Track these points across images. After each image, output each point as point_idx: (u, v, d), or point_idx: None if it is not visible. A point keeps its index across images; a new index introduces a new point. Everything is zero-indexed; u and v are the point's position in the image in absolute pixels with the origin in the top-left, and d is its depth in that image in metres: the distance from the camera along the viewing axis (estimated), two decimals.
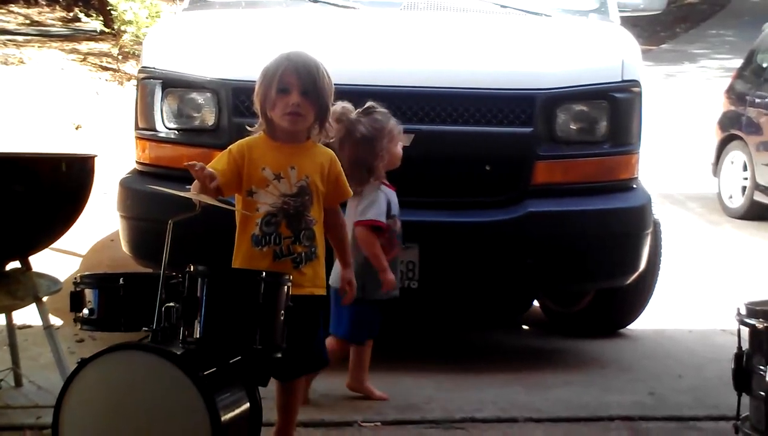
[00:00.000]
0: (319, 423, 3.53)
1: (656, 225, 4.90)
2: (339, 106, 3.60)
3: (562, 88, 4.37)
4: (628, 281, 4.60)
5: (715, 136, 8.97)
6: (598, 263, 4.46)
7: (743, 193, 8.39)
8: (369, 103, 3.85)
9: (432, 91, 4.30)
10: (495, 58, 4.51)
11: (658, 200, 8.76)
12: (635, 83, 4.50)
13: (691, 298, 5.87)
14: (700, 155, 9.67)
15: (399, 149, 3.86)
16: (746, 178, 8.35)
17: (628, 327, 5.15)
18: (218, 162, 3.02)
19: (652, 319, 5.17)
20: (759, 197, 8.18)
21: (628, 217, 4.49)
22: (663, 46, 18.94)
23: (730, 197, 8.55)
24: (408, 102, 4.24)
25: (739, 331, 2.25)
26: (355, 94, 4.06)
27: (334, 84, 3.11)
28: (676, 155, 10.91)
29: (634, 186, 4.57)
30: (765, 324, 2.05)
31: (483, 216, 4.31)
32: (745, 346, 2.21)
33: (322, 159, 3.10)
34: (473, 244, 4.29)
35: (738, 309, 2.23)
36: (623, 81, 4.46)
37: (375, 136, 3.74)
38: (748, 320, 2.14)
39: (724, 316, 4.58)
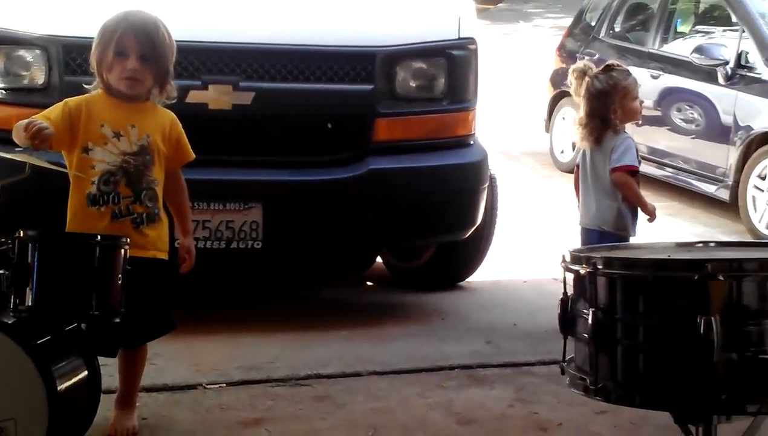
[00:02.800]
0: (162, 387, 3.43)
1: (492, 180, 4.99)
2: (581, 63, 4.20)
3: (401, 46, 4.37)
4: (467, 235, 4.68)
5: (547, 93, 9.16)
6: (438, 218, 4.51)
7: (574, 148, 8.62)
8: (610, 61, 4.31)
9: (272, 49, 4.22)
10: (335, 15, 4.45)
11: (495, 156, 9.05)
12: (471, 41, 4.55)
13: (526, 249, 6.01)
14: (534, 112, 9.89)
15: (636, 104, 4.11)
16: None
17: (467, 279, 5.24)
18: (51, 112, 2.88)
19: (490, 271, 5.28)
20: None
21: (465, 172, 4.54)
22: (500, 5, 19.25)
23: (562, 152, 8.77)
24: (248, 59, 4.15)
25: (564, 277, 2.30)
26: (195, 51, 3.95)
27: (175, 41, 3.00)
28: (512, 113, 11.14)
29: (471, 142, 4.62)
30: (587, 269, 2.10)
31: (325, 174, 4.27)
32: (571, 291, 2.27)
33: (163, 120, 3.00)
34: (316, 202, 4.26)
35: (563, 256, 2.29)
36: (460, 39, 4.49)
37: (608, 91, 4.02)
38: (572, 267, 2.19)
39: (555, 265, 4.70)
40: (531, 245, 6.13)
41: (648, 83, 7.74)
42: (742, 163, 6.65)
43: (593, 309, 2.07)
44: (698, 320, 1.93)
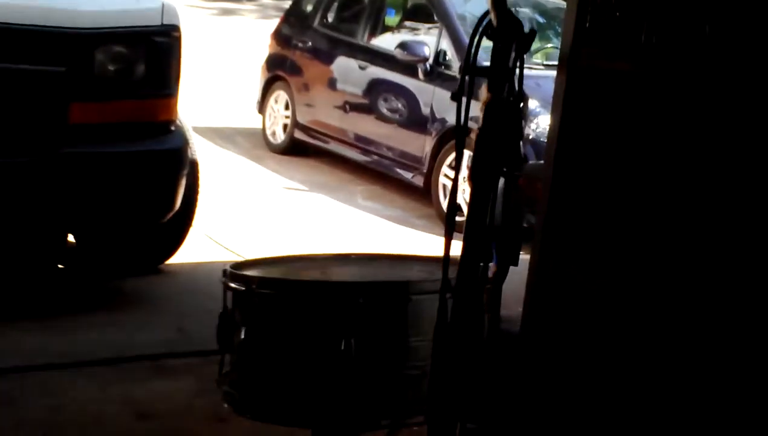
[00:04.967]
0: None
1: (194, 165, 4.90)
2: None
3: (100, 29, 4.17)
4: (164, 220, 4.57)
5: (261, 76, 9.13)
6: (134, 203, 4.37)
7: (285, 131, 8.67)
8: None
9: None
10: None
11: (209, 135, 8.93)
12: (174, 28, 4.39)
13: (230, 232, 5.97)
14: (250, 92, 9.84)
15: None
16: (288, 117, 8.63)
17: (168, 262, 5.12)
18: None
19: (190, 254, 5.19)
20: (298, 135, 8.49)
21: (163, 158, 4.42)
22: None
23: (273, 134, 8.79)
24: None
25: (224, 293, 2.28)
26: None
27: None
28: (229, 92, 11.05)
29: (172, 129, 4.50)
30: (243, 287, 2.09)
31: (17, 157, 4.01)
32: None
33: None
34: (8, 186, 3.99)
35: (223, 271, 2.27)
36: (163, 25, 4.34)
37: None
38: (231, 284, 2.18)
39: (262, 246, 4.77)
40: (234, 227, 6.08)
41: (356, 74, 7.93)
42: (436, 153, 6.95)
43: (245, 326, 2.07)
44: (340, 341, 1.97)
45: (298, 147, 8.55)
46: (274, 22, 13.68)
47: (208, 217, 5.53)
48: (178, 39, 4.40)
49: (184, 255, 5.13)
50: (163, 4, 4.35)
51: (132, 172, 4.28)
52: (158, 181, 4.40)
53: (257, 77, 9.28)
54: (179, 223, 4.86)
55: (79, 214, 4.23)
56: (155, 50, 4.30)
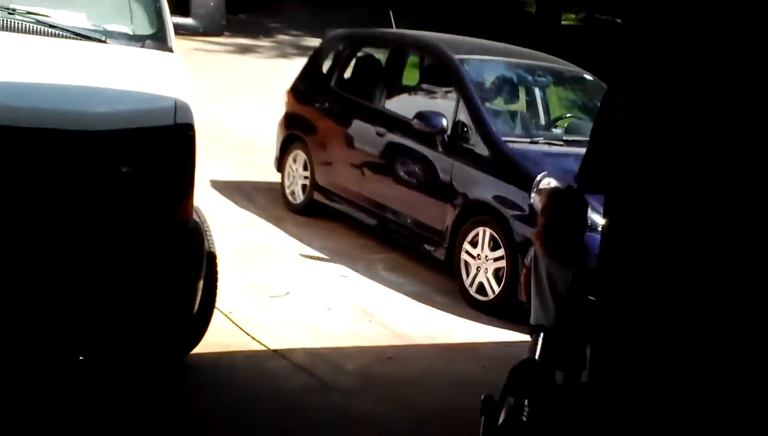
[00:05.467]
0: None
1: (212, 258, 4.79)
2: None
3: (111, 131, 4.05)
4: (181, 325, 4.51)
5: (278, 133, 9.05)
6: (147, 310, 4.24)
7: (303, 191, 8.58)
8: None
9: None
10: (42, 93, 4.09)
11: (228, 192, 8.87)
12: (188, 127, 4.24)
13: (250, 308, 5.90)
14: (268, 140, 9.78)
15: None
16: (307, 178, 8.54)
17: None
18: None
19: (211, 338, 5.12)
20: (317, 197, 8.40)
21: (179, 263, 4.30)
22: (240, 16, 18.98)
23: (293, 194, 8.70)
24: None
25: None
26: None
27: None
28: (248, 139, 10.99)
29: (189, 226, 4.40)
30: None
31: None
32: None
33: None
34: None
35: None
36: (176, 125, 4.20)
37: None
38: None
39: None
40: (255, 302, 6.01)
41: (374, 139, 7.84)
42: (458, 228, 6.86)
43: None
44: None
45: (318, 208, 8.47)
46: (292, 61, 13.74)
47: (228, 291, 5.47)
48: (192, 138, 4.28)
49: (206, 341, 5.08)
50: (175, 103, 4.22)
51: (145, 277, 4.20)
52: (173, 286, 4.30)
53: (274, 129, 9.22)
54: (200, 316, 4.79)
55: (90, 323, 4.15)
56: (168, 150, 4.21)
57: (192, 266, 4.35)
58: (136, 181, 4.13)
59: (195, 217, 4.48)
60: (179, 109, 4.22)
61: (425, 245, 7.20)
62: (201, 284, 4.40)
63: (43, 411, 4.25)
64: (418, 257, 7.39)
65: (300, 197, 8.62)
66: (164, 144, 4.16)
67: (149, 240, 4.19)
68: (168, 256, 4.24)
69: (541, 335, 4.13)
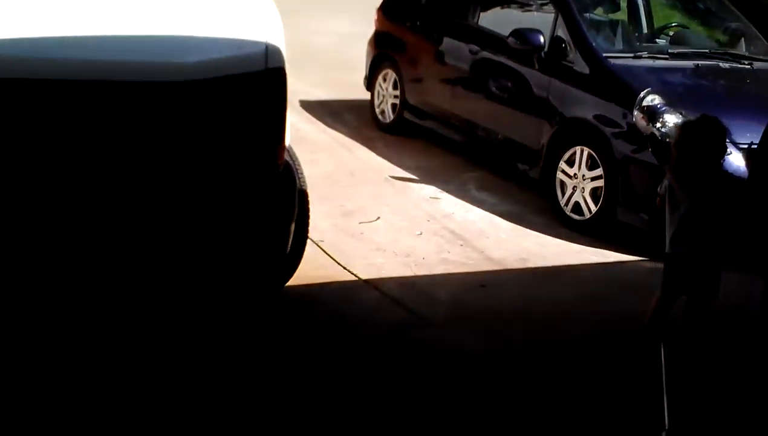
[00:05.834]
0: None
1: (303, 195, 4.67)
2: None
3: (201, 80, 3.89)
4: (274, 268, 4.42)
5: (368, 52, 8.83)
6: (241, 254, 4.18)
7: (394, 111, 8.39)
8: None
9: None
10: (130, 46, 3.98)
11: (317, 112, 8.73)
12: (279, 71, 4.06)
13: (341, 236, 5.81)
14: (356, 58, 9.57)
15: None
16: (397, 96, 8.34)
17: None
18: None
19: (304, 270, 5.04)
20: (407, 116, 8.21)
21: (271, 208, 4.20)
22: None
23: (383, 113, 8.52)
24: None
25: None
26: None
27: None
28: (336, 57, 10.80)
29: (280, 171, 4.29)
30: None
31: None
32: None
33: None
34: None
35: None
36: (267, 70, 4.03)
37: None
38: None
39: None
40: (347, 229, 5.91)
41: (467, 56, 7.55)
42: (554, 147, 6.59)
43: None
44: None
45: (408, 127, 8.28)
46: None
47: (319, 218, 5.37)
48: (284, 81, 4.11)
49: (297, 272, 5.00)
50: (266, 48, 4.06)
51: (240, 223, 4.12)
52: (267, 229, 4.21)
53: (364, 47, 9.00)
54: (293, 253, 4.70)
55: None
56: (260, 95, 4.05)
57: (284, 209, 4.24)
58: (229, 129, 4.00)
59: (287, 157, 4.37)
60: (270, 53, 4.05)
61: (519, 164, 6.97)
62: (293, 225, 4.31)
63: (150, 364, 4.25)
64: (510, 175, 7.17)
65: (390, 116, 8.44)
66: (256, 90, 4.01)
67: (243, 186, 4.08)
68: (261, 201, 4.14)
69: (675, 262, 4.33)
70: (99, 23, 4.04)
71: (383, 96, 8.52)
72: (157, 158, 3.92)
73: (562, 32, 6.75)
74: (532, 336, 4.73)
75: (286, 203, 4.28)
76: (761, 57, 7.08)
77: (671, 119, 5.88)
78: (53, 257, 3.90)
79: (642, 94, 6.03)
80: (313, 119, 8.64)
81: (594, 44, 6.66)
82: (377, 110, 8.59)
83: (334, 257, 5.50)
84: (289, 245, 4.35)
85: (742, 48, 7.24)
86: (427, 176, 7.24)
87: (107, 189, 3.90)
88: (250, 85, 4.01)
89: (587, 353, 4.57)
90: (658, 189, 4.47)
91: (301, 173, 4.69)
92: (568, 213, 6.41)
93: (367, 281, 5.24)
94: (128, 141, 3.88)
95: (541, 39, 6.77)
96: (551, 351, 4.57)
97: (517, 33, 6.88)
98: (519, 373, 4.35)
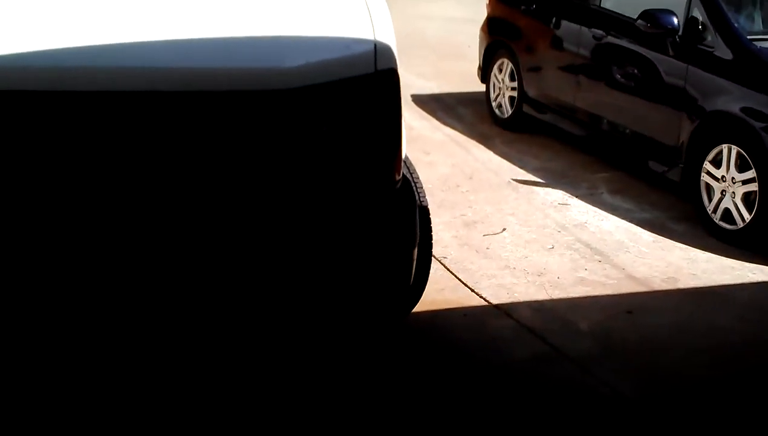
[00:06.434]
0: None
1: (424, 212, 4.12)
2: None
3: (304, 87, 3.32)
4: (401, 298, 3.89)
5: (481, 40, 8.23)
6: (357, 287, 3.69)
7: (512, 104, 7.78)
8: None
9: None
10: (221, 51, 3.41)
11: (430, 106, 8.19)
12: (391, 73, 3.46)
13: (464, 252, 5.26)
14: (466, 46, 8.99)
15: None
16: (515, 88, 7.72)
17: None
18: None
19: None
20: (527, 110, 7.59)
21: (392, 232, 3.63)
22: None
23: (500, 107, 7.92)
24: None
25: None
26: None
27: None
28: (445, 45, 10.24)
29: (398, 187, 3.71)
30: None
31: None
32: None
33: None
34: None
35: None
36: (377, 72, 3.43)
37: None
38: None
39: None
40: (470, 244, 5.36)
41: (591, 43, 6.88)
42: (695, 145, 5.89)
43: None
44: None
45: (528, 122, 7.66)
46: None
47: (438, 230, 4.84)
48: (397, 84, 3.50)
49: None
50: (375, 46, 3.43)
51: (356, 254, 3.57)
52: (388, 260, 3.63)
53: (477, 34, 8.40)
54: (416, 279, 4.17)
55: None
56: (371, 101, 3.47)
57: (405, 234, 3.66)
58: (336, 143, 3.44)
59: (404, 169, 3.81)
60: (380, 52, 3.44)
61: (656, 164, 6.28)
62: (416, 251, 3.77)
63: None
64: (644, 176, 6.49)
65: (508, 110, 7.83)
66: (365, 95, 3.43)
67: (355, 211, 3.52)
68: (378, 227, 3.56)
69: None
70: (178, 25, 3.46)
71: (499, 88, 7.91)
72: (256, 182, 3.39)
73: (698, 12, 6.02)
74: (690, 373, 4.11)
75: (406, 227, 3.71)
76: None
77: None
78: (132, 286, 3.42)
79: None
80: (426, 115, 8.11)
81: (736, 25, 5.92)
82: (494, 104, 8.00)
83: (460, 278, 4.96)
84: (413, 274, 3.82)
85: None
86: (552, 179, 6.63)
87: (194, 220, 3.36)
88: (358, 92, 3.43)
89: (757, 391, 3.94)
90: None
91: (420, 186, 4.13)
92: (716, 221, 5.70)
93: (497, 307, 4.68)
94: (217, 163, 3.33)
95: (675, 21, 6.05)
96: (715, 390, 3.94)
97: (648, 14, 6.16)
98: (678, 418, 3.75)
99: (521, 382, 3.98)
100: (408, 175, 3.88)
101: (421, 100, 8.50)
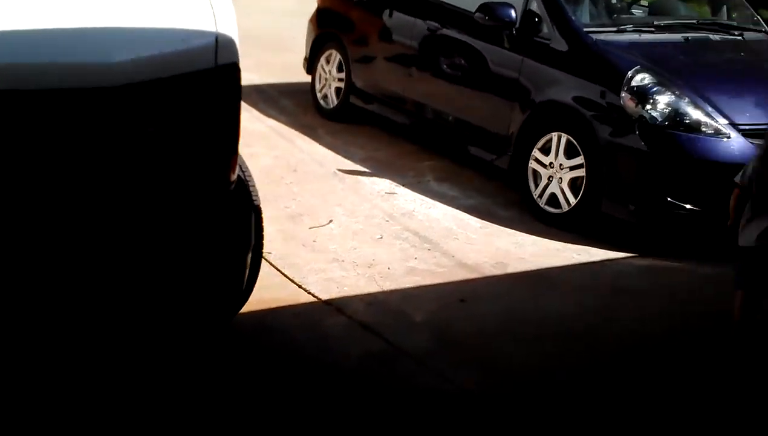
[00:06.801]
0: None
1: (258, 212, 3.84)
2: None
3: (138, 83, 3.02)
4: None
5: (309, 32, 7.95)
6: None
7: (338, 95, 7.55)
8: None
9: None
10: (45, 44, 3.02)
11: (251, 98, 7.85)
12: (233, 67, 3.25)
13: (288, 246, 4.98)
14: (292, 38, 8.71)
15: None
16: (342, 80, 7.50)
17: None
18: None
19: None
20: (354, 100, 7.38)
21: (224, 233, 3.42)
22: None
23: (325, 98, 7.68)
24: None
25: None
26: None
27: None
28: (269, 35, 9.91)
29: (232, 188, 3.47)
30: None
31: None
32: None
33: None
34: None
35: None
36: (218, 67, 3.19)
37: None
38: None
39: None
40: (293, 237, 5.08)
41: (425, 35, 6.72)
42: (525, 134, 5.83)
43: None
44: None
45: (354, 112, 7.45)
46: None
47: (264, 222, 4.56)
48: (238, 80, 3.29)
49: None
50: (217, 39, 3.18)
51: (187, 258, 3.27)
52: (220, 264, 3.39)
53: (303, 25, 8.12)
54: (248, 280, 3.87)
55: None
56: (210, 98, 3.22)
57: (239, 238, 3.43)
58: (168, 143, 3.15)
59: (238, 171, 3.53)
60: (222, 46, 3.19)
61: (484, 152, 6.20)
62: (250, 256, 3.49)
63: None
64: (469, 163, 6.41)
65: (333, 101, 7.59)
66: (204, 91, 3.17)
67: (187, 213, 3.26)
68: (211, 230, 3.31)
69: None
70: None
71: (326, 79, 7.66)
72: (87, 182, 3.05)
73: (535, 5, 5.97)
74: (527, 360, 3.99)
75: (241, 231, 3.45)
76: (750, 27, 6.42)
77: (663, 100, 5.18)
78: None
79: (630, 74, 5.31)
80: (247, 106, 7.74)
81: (572, 17, 5.91)
82: (319, 95, 7.74)
83: (287, 274, 4.68)
84: (246, 278, 3.54)
85: (724, 16, 6.58)
86: (379, 168, 6.44)
87: (13, 221, 3.01)
88: (196, 88, 3.15)
89: (590, 378, 3.87)
90: (737, 179, 3.96)
91: (253, 184, 3.83)
92: (542, 206, 5.67)
93: (327, 302, 4.43)
94: (50, 162, 2.99)
95: (513, 13, 5.97)
96: (555, 377, 3.84)
97: (486, 7, 6.04)
98: (521, 410, 3.61)
99: (357, 383, 3.74)
100: (241, 175, 3.61)
101: (242, 92, 8.14)
